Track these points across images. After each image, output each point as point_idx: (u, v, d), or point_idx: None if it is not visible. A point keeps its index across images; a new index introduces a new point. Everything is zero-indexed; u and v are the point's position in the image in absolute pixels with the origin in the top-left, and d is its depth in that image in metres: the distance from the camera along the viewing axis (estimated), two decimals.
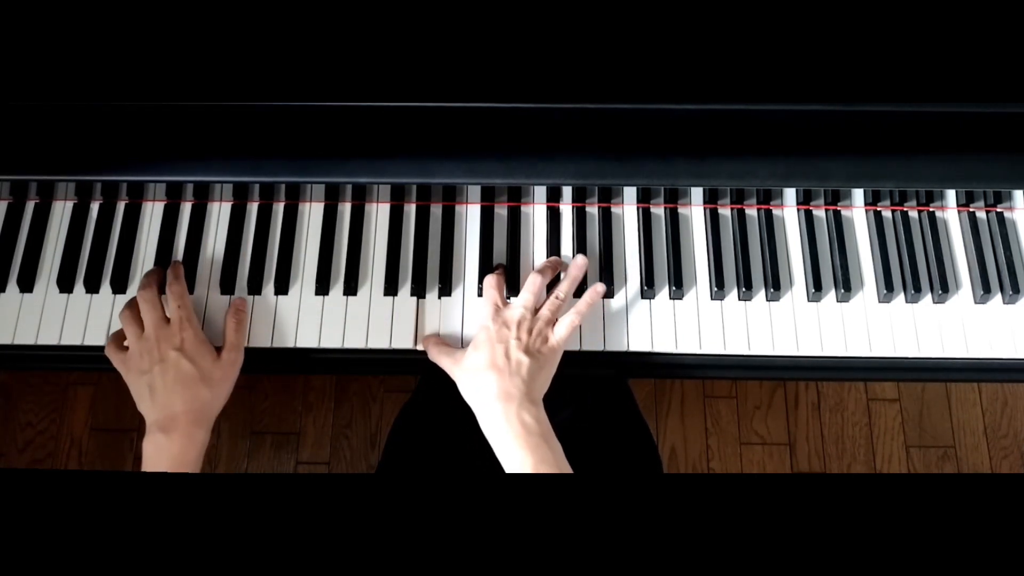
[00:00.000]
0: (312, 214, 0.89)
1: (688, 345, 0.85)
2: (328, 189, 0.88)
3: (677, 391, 1.67)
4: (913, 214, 0.90)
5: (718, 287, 0.86)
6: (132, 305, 0.83)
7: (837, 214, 0.89)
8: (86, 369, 0.88)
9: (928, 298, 0.87)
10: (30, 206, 0.89)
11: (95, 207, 0.89)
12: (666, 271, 0.87)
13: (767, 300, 0.86)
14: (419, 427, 1.03)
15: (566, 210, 0.90)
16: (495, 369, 0.77)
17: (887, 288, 0.86)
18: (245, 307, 0.84)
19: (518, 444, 0.74)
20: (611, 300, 0.86)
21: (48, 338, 0.84)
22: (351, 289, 0.86)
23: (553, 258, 0.87)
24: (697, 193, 0.89)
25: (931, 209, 0.90)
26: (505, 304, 0.82)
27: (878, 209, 0.90)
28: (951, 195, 0.89)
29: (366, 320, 0.85)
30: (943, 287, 0.86)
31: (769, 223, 0.89)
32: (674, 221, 0.89)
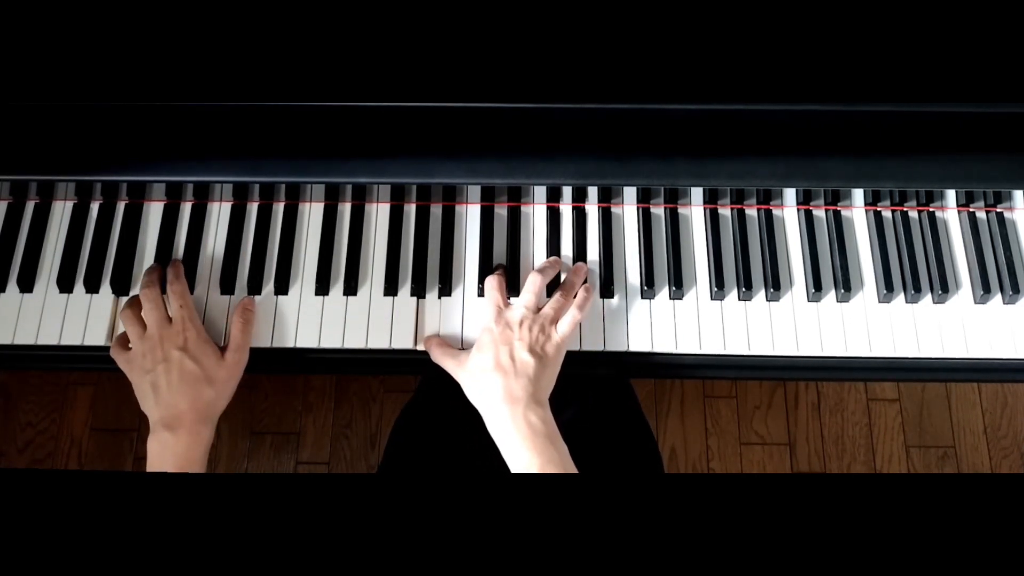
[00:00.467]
0: (312, 214, 0.89)
1: (688, 345, 0.85)
2: (328, 189, 0.88)
3: (677, 391, 1.67)
4: (913, 214, 0.90)
5: (718, 287, 0.86)
6: (133, 304, 0.83)
7: (837, 214, 0.89)
8: (86, 369, 0.88)
9: (928, 298, 0.87)
10: (30, 206, 0.89)
11: (95, 207, 0.89)
12: (666, 271, 0.87)
13: (767, 300, 0.86)
14: (421, 427, 1.03)
15: (566, 210, 0.90)
16: (500, 371, 0.77)
17: (887, 288, 0.86)
18: (253, 307, 0.84)
19: (525, 446, 0.74)
20: (611, 300, 0.86)
21: (48, 338, 0.84)
22: (351, 289, 0.86)
23: (553, 258, 0.87)
24: (697, 193, 0.89)
25: (931, 209, 0.90)
26: (507, 305, 0.82)
27: (878, 209, 0.90)
28: (951, 195, 0.89)
29: (366, 320, 0.85)
30: (943, 287, 0.86)
31: (769, 223, 0.89)
32: (674, 221, 0.89)
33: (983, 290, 0.86)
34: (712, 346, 0.85)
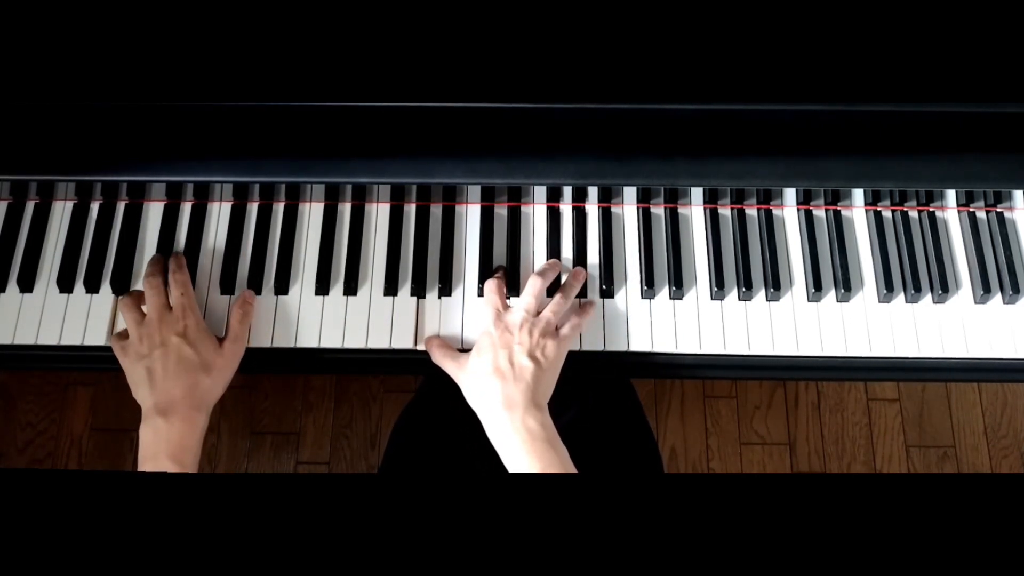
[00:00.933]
0: (312, 214, 0.89)
1: (688, 345, 0.85)
2: (328, 189, 0.88)
3: (677, 391, 1.67)
4: (913, 214, 0.90)
5: (718, 287, 0.86)
6: (132, 293, 0.83)
7: (837, 214, 0.89)
8: (86, 369, 0.87)
9: (928, 298, 0.87)
10: (30, 206, 0.89)
11: (95, 207, 0.89)
12: (666, 271, 0.87)
13: (767, 300, 0.86)
14: (421, 428, 1.03)
15: (566, 210, 0.90)
16: (499, 375, 0.77)
17: (887, 288, 0.86)
18: (252, 300, 0.84)
19: (524, 450, 0.74)
20: (611, 300, 0.86)
21: (48, 338, 0.84)
22: (351, 289, 0.86)
23: (553, 260, 0.87)
24: (697, 193, 0.89)
25: (931, 209, 0.90)
26: (506, 308, 0.82)
27: (878, 209, 0.90)
28: (951, 195, 0.89)
29: (366, 320, 0.85)
30: (943, 287, 0.86)
31: (769, 223, 0.89)
32: (674, 221, 0.89)
33: (983, 290, 0.86)
34: (712, 346, 0.85)
